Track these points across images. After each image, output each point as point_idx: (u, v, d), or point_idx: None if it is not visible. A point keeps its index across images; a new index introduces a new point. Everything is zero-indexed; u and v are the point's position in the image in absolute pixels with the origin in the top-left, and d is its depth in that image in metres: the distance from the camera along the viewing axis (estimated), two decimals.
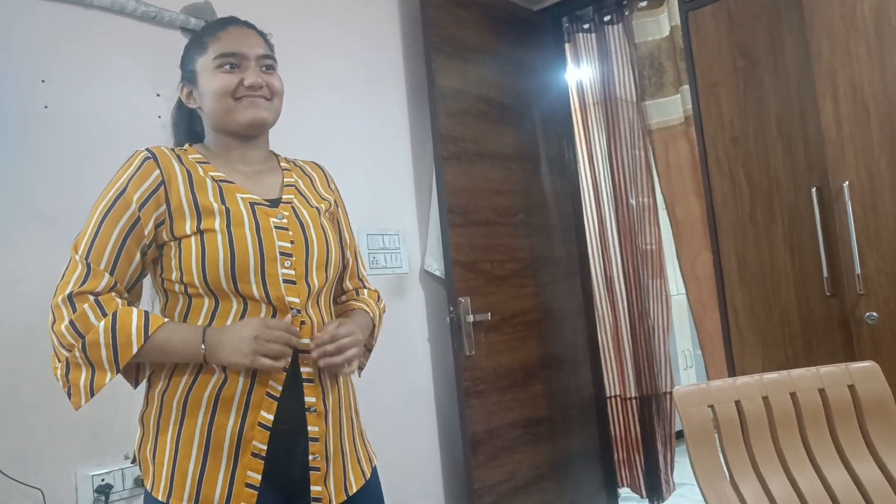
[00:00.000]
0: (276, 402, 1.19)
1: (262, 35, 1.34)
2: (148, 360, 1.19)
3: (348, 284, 1.46)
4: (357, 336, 1.25)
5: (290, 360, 1.18)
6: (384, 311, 1.51)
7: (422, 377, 2.66)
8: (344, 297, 1.46)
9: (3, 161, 1.74)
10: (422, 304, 2.71)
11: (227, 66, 1.27)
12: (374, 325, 1.43)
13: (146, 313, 1.17)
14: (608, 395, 3.33)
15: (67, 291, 1.15)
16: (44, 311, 1.72)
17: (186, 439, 1.17)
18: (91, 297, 1.15)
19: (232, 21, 1.33)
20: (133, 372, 1.23)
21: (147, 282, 1.29)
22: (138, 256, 1.20)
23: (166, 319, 1.18)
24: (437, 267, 2.68)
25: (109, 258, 1.17)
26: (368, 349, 1.44)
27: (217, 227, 1.19)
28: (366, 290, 1.48)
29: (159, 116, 2.01)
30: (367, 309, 1.42)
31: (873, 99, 2.07)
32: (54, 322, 1.16)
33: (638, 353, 3.29)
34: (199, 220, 1.20)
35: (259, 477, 1.17)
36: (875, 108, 2.07)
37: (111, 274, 1.17)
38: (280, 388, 1.19)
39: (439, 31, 2.68)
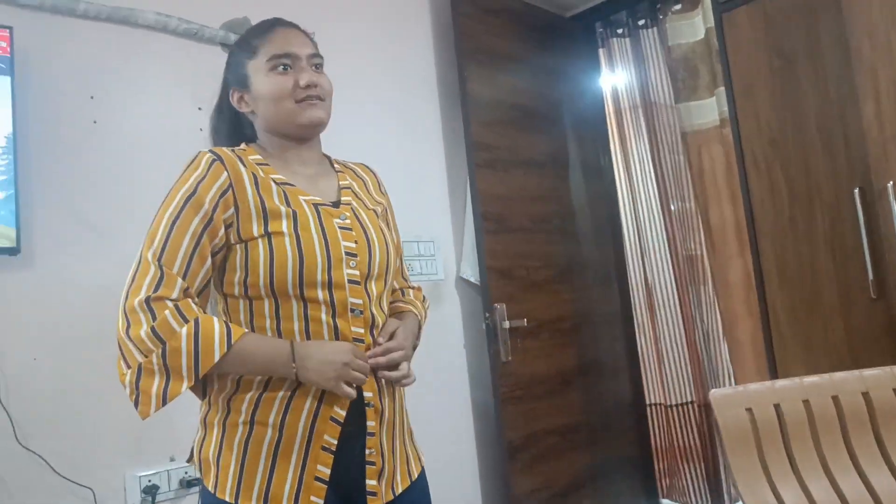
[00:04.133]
0: (348, 400, 1.19)
1: (308, 35, 1.34)
2: (227, 370, 1.17)
3: (394, 284, 1.47)
4: (408, 351, 1.28)
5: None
6: (428, 309, 1.53)
7: (459, 383, 2.67)
8: (391, 298, 1.46)
9: (54, 174, 1.84)
10: (458, 311, 2.72)
11: (281, 68, 1.27)
12: (419, 327, 1.44)
13: (227, 323, 1.15)
14: (648, 402, 3.27)
15: (142, 296, 1.11)
16: (88, 320, 1.82)
17: (258, 438, 1.17)
18: (169, 303, 1.12)
19: (278, 22, 1.32)
20: (201, 384, 1.21)
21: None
22: (209, 259, 1.18)
23: (246, 330, 1.16)
24: (472, 273, 2.69)
25: (183, 261, 1.15)
26: (413, 347, 1.45)
27: (285, 229, 1.19)
28: (411, 291, 1.50)
29: (200, 129, 2.06)
30: (415, 311, 1.44)
31: None
32: (129, 327, 1.11)
33: (693, 358, 3.20)
34: (267, 223, 1.19)
35: (328, 471, 1.17)
36: None
37: (184, 278, 1.14)
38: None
39: (471, 40, 2.70)
